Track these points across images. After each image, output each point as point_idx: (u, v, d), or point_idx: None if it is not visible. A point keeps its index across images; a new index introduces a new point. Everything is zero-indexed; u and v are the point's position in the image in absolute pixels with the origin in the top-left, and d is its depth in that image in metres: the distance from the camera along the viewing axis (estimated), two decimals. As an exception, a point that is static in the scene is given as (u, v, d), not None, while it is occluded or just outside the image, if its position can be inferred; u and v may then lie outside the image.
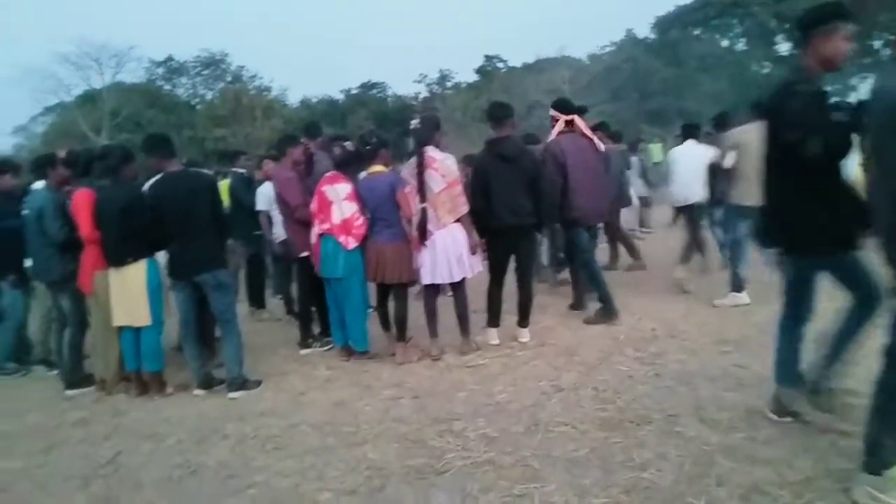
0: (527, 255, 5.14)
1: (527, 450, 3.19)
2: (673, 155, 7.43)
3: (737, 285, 5.72)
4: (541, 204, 5.00)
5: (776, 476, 2.73)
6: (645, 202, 11.56)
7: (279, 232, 6.07)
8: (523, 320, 5.14)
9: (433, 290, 4.96)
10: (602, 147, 5.79)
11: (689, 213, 7.13)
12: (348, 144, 5.16)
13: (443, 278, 4.78)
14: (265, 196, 6.26)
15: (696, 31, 38.36)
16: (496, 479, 2.93)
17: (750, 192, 5.33)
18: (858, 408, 2.84)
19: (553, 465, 3.02)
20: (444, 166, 4.71)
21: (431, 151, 4.75)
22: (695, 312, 5.52)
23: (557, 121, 5.50)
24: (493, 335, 5.11)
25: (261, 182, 6.88)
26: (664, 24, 38.52)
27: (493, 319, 5.14)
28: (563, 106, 5.66)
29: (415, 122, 5.02)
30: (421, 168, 4.69)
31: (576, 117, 5.56)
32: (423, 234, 4.70)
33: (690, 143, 7.20)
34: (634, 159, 11.15)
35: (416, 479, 3.01)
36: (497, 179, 4.83)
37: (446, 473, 3.03)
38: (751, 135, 5.57)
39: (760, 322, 5.04)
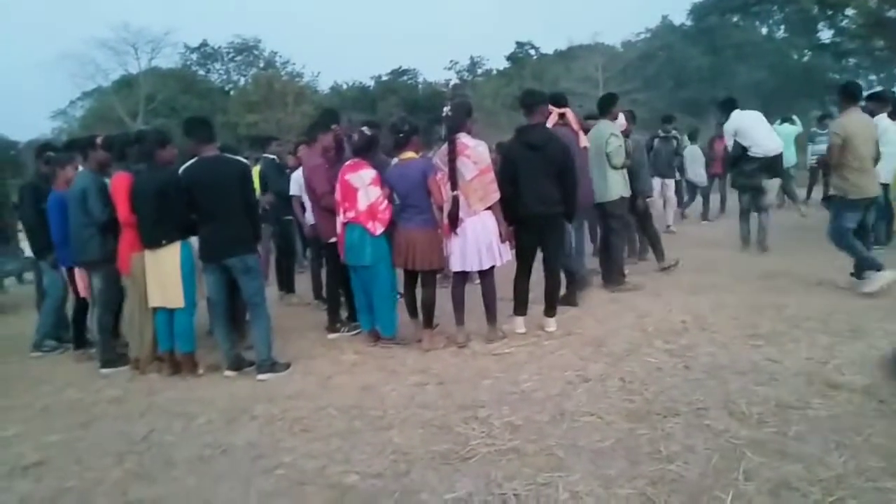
0: (554, 244, 5.10)
1: (552, 439, 3.18)
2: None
3: (869, 265, 5.44)
4: (569, 192, 4.96)
5: (806, 472, 2.69)
6: (703, 191, 11.33)
7: (310, 217, 6.13)
8: (550, 309, 5.12)
9: (462, 278, 4.96)
10: (585, 143, 5.89)
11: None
12: (365, 129, 5.16)
13: (472, 266, 4.78)
14: (298, 181, 6.32)
15: (735, 18, 37.37)
16: (520, 467, 2.93)
17: (857, 186, 5.38)
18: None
19: (578, 454, 3.01)
20: (476, 153, 4.69)
21: (464, 138, 4.73)
22: (726, 305, 5.43)
23: (551, 114, 5.56)
24: (519, 324, 5.10)
25: (294, 167, 6.95)
26: (701, 11, 37.59)
27: (520, 308, 5.13)
28: (556, 100, 5.77)
29: (447, 109, 5.00)
30: (453, 155, 4.68)
31: (567, 111, 5.71)
32: (455, 221, 4.70)
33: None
34: (694, 148, 10.98)
35: (441, 464, 3.03)
36: (525, 167, 4.80)
37: (471, 460, 3.04)
38: (860, 125, 5.50)
39: (793, 316, 4.95)
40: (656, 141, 9.65)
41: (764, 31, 37.89)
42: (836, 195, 5.45)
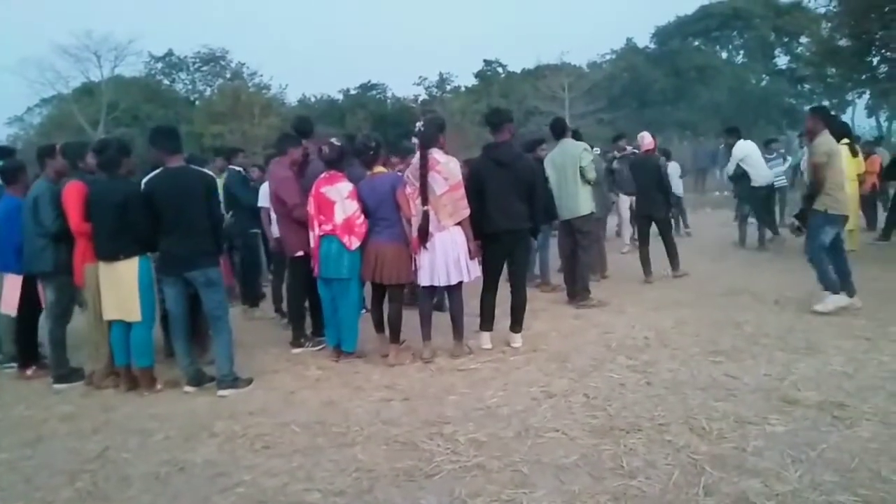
0: (520, 259, 5.15)
1: (516, 455, 3.19)
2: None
3: (829, 286, 5.60)
4: (536, 209, 5.03)
5: (764, 487, 2.74)
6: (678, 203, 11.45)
7: (275, 230, 6.06)
8: (516, 325, 5.14)
9: (429, 293, 4.95)
10: None
11: None
12: (335, 140, 5.14)
13: (440, 281, 4.78)
14: (266, 194, 6.24)
15: (696, 42, 38.60)
16: (485, 484, 2.92)
17: (838, 202, 5.61)
18: None
19: (542, 470, 3.02)
20: (447, 169, 4.72)
21: (436, 153, 4.75)
22: (688, 322, 5.54)
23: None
24: (485, 339, 5.11)
25: (259, 180, 6.87)
26: (664, 35, 38.76)
27: (486, 324, 5.14)
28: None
29: (420, 124, 5.03)
30: (424, 170, 4.69)
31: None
32: (425, 236, 4.71)
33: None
34: (674, 164, 11.41)
35: (405, 481, 3.01)
36: (492, 184, 4.85)
37: (435, 477, 3.03)
38: (837, 146, 5.80)
39: (752, 333, 5.07)
40: (615, 161, 9.85)
41: (724, 55, 39.18)
42: (818, 210, 5.64)
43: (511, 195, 4.86)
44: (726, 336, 5.05)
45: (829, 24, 15.58)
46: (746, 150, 9.26)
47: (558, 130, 6.85)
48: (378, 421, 3.75)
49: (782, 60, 38.29)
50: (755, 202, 9.55)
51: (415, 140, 5.22)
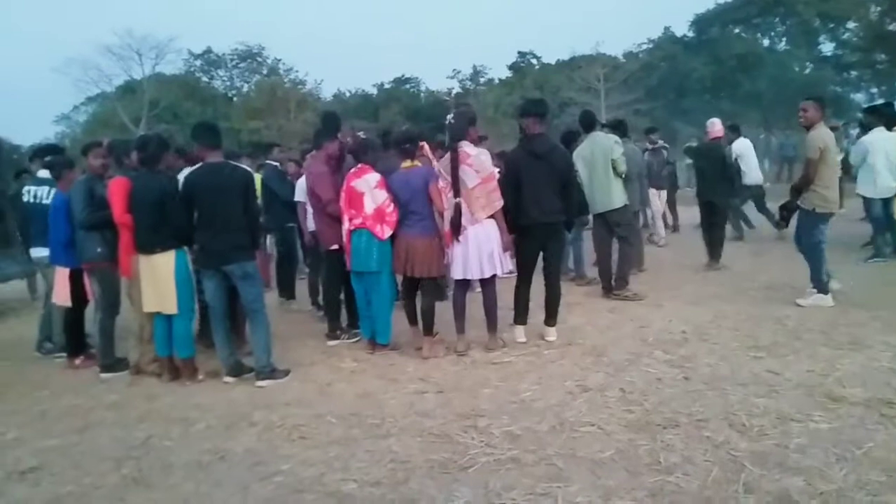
0: (555, 253, 5.11)
1: (551, 449, 3.17)
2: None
3: (819, 285, 5.62)
4: (570, 202, 4.98)
5: (807, 485, 2.68)
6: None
7: (311, 224, 6.14)
8: (550, 319, 5.11)
9: (463, 286, 4.96)
10: None
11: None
12: (361, 133, 5.20)
13: (473, 274, 4.78)
14: (303, 188, 6.33)
15: (737, 30, 37.56)
16: (519, 477, 2.92)
17: (827, 200, 5.49)
18: None
19: (577, 465, 3.00)
20: (478, 161, 4.70)
21: (466, 147, 4.75)
22: (727, 316, 5.42)
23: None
24: (519, 333, 5.09)
25: (295, 175, 6.96)
26: (703, 22, 37.79)
27: (521, 317, 5.12)
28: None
29: (450, 118, 5.03)
30: (455, 163, 4.69)
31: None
32: (457, 229, 4.71)
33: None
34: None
35: (440, 473, 3.02)
36: (528, 176, 4.81)
37: (470, 469, 3.03)
38: (832, 139, 5.63)
39: (794, 328, 4.94)
40: (646, 154, 9.73)
41: (766, 42, 38.06)
42: (805, 209, 5.53)
43: (547, 188, 4.83)
44: (767, 331, 4.93)
45: (879, 8, 15.02)
46: (741, 150, 9.37)
47: (587, 123, 6.76)
48: (412, 413, 3.77)
49: (827, 47, 37.01)
50: (742, 199, 9.70)
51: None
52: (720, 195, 7.72)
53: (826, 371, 3.99)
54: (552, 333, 5.09)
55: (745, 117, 26.71)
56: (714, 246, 7.64)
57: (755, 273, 7.20)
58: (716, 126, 8.02)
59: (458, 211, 4.68)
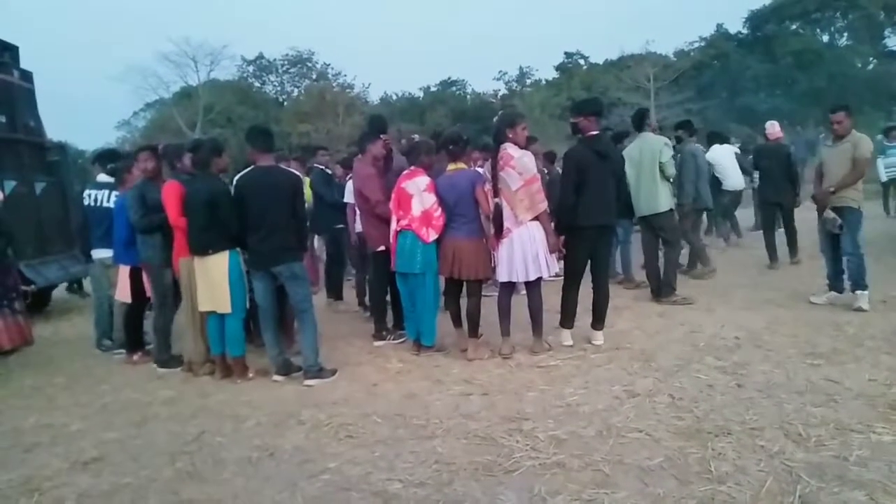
0: (604, 255, 5.04)
1: (597, 454, 3.13)
2: None
3: (834, 285, 5.79)
4: (620, 203, 4.94)
5: (868, 500, 2.56)
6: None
7: (358, 225, 6.22)
8: (598, 322, 5.04)
9: (508, 288, 4.94)
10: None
11: None
12: (415, 136, 5.26)
13: (519, 277, 4.75)
14: (351, 190, 6.42)
15: (794, 26, 36.28)
16: (565, 482, 2.89)
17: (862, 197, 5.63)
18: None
19: (625, 471, 2.95)
20: (521, 164, 4.68)
21: (509, 149, 4.73)
22: (783, 322, 5.24)
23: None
24: (566, 336, 5.04)
25: (341, 177, 7.07)
26: (758, 19, 36.65)
27: (567, 320, 5.07)
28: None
29: (497, 120, 5.03)
30: (495, 165, 4.68)
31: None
32: (498, 230, 4.70)
33: None
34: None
35: (485, 476, 3.02)
36: (593, 176, 4.77)
37: (514, 473, 3.02)
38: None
39: (855, 335, 4.74)
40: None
41: (825, 38, 36.65)
42: (853, 207, 5.57)
43: (610, 189, 4.79)
44: (825, 337, 4.74)
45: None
46: (717, 157, 8.97)
47: (637, 122, 6.63)
48: (457, 415, 3.78)
49: (893, 41, 35.40)
50: (718, 205, 9.31)
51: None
52: (785, 196, 7.71)
53: (890, 381, 3.81)
54: (599, 337, 5.02)
55: (802, 116, 25.77)
56: (792, 245, 7.76)
57: (812, 276, 6.93)
58: (775, 127, 8.14)
59: (498, 212, 4.67)
